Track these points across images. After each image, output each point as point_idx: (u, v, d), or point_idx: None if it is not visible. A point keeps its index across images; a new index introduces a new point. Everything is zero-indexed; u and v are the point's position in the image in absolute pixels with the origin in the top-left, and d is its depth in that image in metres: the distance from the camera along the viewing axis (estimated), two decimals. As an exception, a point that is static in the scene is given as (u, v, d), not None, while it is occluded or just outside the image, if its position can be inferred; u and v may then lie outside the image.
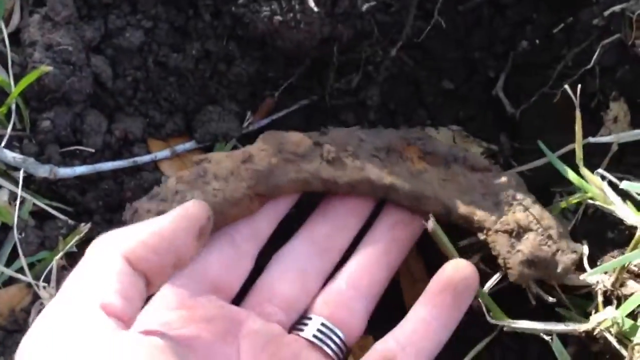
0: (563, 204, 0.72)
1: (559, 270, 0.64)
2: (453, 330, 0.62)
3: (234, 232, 0.62)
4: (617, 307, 0.68)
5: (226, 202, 0.60)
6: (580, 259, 0.69)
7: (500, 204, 0.65)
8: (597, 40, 0.72)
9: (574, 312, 0.70)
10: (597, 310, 0.67)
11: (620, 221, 0.70)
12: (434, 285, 0.62)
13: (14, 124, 0.70)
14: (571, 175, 0.70)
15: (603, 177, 0.69)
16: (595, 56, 0.71)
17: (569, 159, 0.72)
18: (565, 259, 0.64)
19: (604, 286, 0.68)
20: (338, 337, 0.60)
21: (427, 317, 0.61)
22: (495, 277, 0.69)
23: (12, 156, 0.67)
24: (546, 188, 0.78)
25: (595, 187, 0.68)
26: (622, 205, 0.67)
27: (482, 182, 0.67)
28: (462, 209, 0.65)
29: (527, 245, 0.63)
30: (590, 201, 0.70)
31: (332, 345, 0.60)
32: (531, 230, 0.64)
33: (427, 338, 0.60)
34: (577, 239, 0.73)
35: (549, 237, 0.64)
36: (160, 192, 0.62)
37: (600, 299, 0.69)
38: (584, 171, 0.69)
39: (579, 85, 0.65)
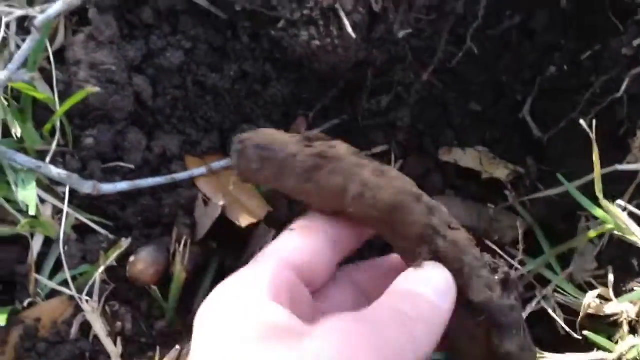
0: (590, 234, 0.73)
1: None
2: None
3: None
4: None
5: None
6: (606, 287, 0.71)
7: None
8: (626, 69, 0.74)
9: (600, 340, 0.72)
10: (622, 339, 0.68)
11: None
12: None
13: (58, 140, 0.72)
14: (591, 207, 0.71)
15: (624, 208, 0.70)
16: (624, 85, 0.72)
17: (593, 187, 0.73)
18: None
19: (629, 316, 0.69)
20: None
21: None
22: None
23: (57, 172, 0.69)
24: (573, 212, 0.79)
25: (617, 218, 0.69)
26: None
27: None
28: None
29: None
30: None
31: None
32: None
33: None
34: (603, 266, 0.75)
35: None
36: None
37: (626, 328, 0.70)
38: (605, 203, 0.70)
39: (594, 121, 0.66)
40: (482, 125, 0.86)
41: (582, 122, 0.67)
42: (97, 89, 0.69)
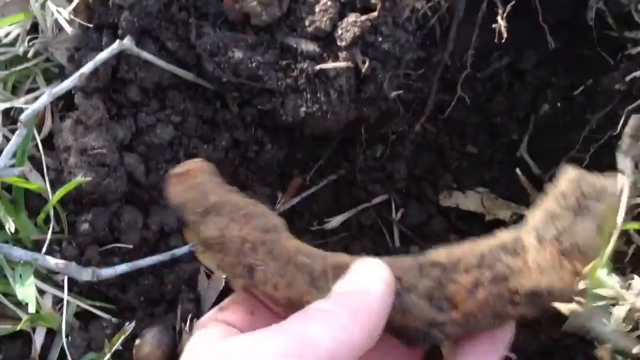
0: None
1: None
2: None
3: None
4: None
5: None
6: None
7: None
8: (620, 105, 0.73)
9: None
10: None
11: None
12: None
13: (52, 227, 0.71)
14: None
15: None
16: (621, 120, 0.71)
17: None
18: None
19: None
20: None
21: None
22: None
23: (54, 262, 0.68)
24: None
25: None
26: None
27: None
28: None
29: None
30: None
31: None
32: None
33: None
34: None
35: None
36: None
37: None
38: None
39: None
40: (480, 167, 0.85)
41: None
42: (88, 179, 0.68)
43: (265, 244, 0.51)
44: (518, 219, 0.83)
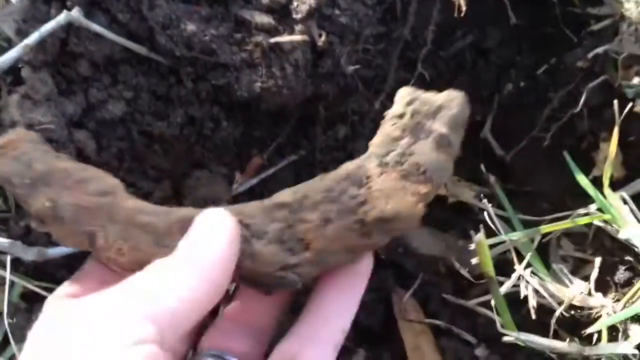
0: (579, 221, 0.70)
1: None
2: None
3: None
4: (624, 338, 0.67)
5: None
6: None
7: None
8: (583, 82, 0.72)
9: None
10: (599, 337, 0.66)
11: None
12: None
13: (-1, 206, 0.69)
14: (594, 194, 0.68)
15: (625, 201, 0.68)
16: (582, 99, 0.70)
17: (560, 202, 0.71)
18: None
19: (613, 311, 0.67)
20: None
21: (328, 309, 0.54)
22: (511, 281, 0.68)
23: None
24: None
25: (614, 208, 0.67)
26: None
27: None
28: None
29: None
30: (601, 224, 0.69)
31: None
32: None
33: (329, 328, 0.53)
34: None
35: None
36: None
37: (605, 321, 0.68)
38: (608, 191, 0.67)
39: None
40: (443, 148, 0.84)
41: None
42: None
43: (103, 208, 0.48)
44: (480, 201, 0.82)
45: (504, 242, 0.70)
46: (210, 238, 0.47)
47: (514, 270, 0.69)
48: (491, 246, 0.70)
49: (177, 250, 0.47)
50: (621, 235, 0.66)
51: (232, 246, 0.47)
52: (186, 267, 0.45)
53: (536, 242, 0.71)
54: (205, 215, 0.49)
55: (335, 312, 0.54)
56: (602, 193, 0.68)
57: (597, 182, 0.71)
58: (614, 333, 0.67)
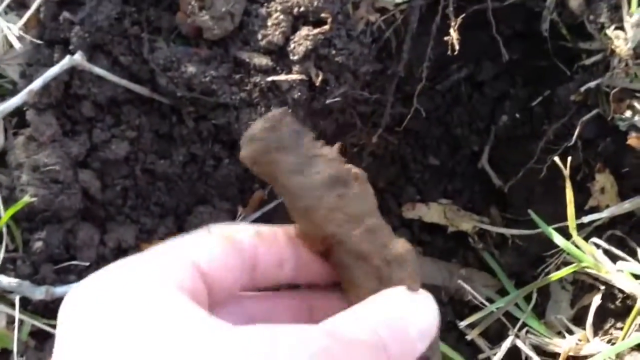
0: (557, 275, 0.72)
1: None
2: None
3: None
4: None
5: None
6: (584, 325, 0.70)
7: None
8: (576, 115, 0.73)
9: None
10: None
11: (615, 290, 0.71)
12: None
13: (6, 245, 0.70)
14: (565, 245, 0.70)
15: (597, 246, 0.70)
16: (576, 131, 0.72)
17: (560, 230, 0.72)
18: None
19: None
20: None
21: None
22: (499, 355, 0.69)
23: (7, 281, 0.67)
24: (539, 258, 0.78)
25: (590, 256, 0.68)
26: (618, 274, 0.68)
27: None
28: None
29: None
30: (587, 270, 0.71)
31: None
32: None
33: None
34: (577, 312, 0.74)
35: None
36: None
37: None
38: (578, 240, 0.69)
39: (569, 158, 0.65)
40: (442, 179, 0.85)
41: (556, 159, 0.66)
42: (34, 199, 0.67)
43: None
44: (480, 229, 0.83)
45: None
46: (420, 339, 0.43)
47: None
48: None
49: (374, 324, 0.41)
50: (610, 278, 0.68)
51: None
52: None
53: (532, 303, 0.74)
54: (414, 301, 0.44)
55: None
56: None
57: (594, 212, 0.72)
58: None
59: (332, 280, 0.48)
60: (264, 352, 0.34)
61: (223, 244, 0.43)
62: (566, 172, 0.65)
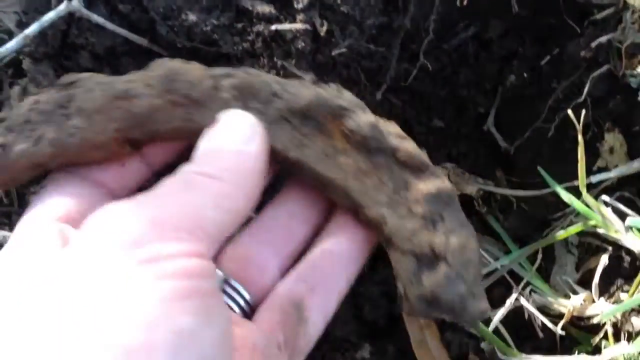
0: (564, 234, 0.71)
1: (465, 317, 0.49)
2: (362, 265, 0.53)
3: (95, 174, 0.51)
4: (628, 340, 0.67)
5: (86, 144, 0.49)
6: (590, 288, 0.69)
7: (420, 217, 0.51)
8: (586, 72, 0.71)
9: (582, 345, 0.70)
10: (608, 342, 0.66)
11: (622, 252, 0.70)
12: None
13: (1, 199, 0.68)
14: (574, 202, 0.68)
15: (607, 204, 0.68)
16: (586, 88, 0.70)
17: (568, 190, 0.71)
18: (474, 308, 0.49)
19: (615, 317, 0.67)
20: (242, 296, 0.50)
21: (335, 250, 0.52)
22: (502, 312, 0.68)
23: (2, 235, 0.66)
24: (545, 222, 0.77)
25: (599, 214, 0.67)
26: (627, 233, 0.67)
27: (407, 184, 0.52)
28: (372, 211, 0.50)
29: (433, 280, 0.49)
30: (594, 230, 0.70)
31: (235, 306, 0.50)
32: (445, 261, 0.49)
33: (335, 274, 0.51)
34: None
35: (462, 276, 0.49)
36: (8, 118, 0.50)
37: (610, 330, 0.68)
38: (588, 198, 0.67)
39: (581, 114, 0.64)
40: (447, 141, 0.83)
41: (569, 111, 0.65)
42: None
43: None
44: (485, 193, 0.82)
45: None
46: (241, 145, 0.46)
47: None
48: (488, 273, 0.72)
49: (205, 153, 0.46)
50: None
51: (264, 153, 0.47)
52: (223, 175, 0.43)
53: (537, 263, 0.72)
54: (231, 117, 0.47)
55: (345, 258, 0.51)
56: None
57: (602, 172, 0.71)
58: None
59: None
60: None
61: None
62: (579, 126, 0.63)
